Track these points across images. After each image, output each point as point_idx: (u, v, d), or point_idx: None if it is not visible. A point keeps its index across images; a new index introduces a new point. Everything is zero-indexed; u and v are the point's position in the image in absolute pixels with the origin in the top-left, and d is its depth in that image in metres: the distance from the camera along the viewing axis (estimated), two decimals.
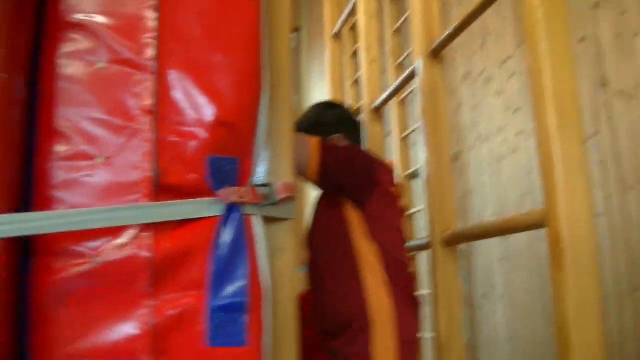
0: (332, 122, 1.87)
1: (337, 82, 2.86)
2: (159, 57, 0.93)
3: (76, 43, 0.93)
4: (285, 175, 1.04)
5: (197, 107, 0.93)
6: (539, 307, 2.25)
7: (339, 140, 1.84)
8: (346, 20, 2.78)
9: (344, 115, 1.92)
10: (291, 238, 0.99)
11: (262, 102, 1.00)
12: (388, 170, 1.76)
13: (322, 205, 1.74)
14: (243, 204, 0.92)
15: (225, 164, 0.93)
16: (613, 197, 1.88)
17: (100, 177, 0.87)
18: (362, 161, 1.68)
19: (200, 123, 0.92)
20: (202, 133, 0.92)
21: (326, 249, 1.68)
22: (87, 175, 0.87)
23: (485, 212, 2.59)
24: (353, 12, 2.68)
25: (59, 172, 0.87)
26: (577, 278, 1.18)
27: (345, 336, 1.58)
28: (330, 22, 2.88)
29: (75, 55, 0.92)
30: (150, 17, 0.94)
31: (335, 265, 1.65)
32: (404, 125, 2.42)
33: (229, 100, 0.95)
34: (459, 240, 1.70)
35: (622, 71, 1.90)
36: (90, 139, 0.89)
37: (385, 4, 2.59)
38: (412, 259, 1.82)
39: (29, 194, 0.89)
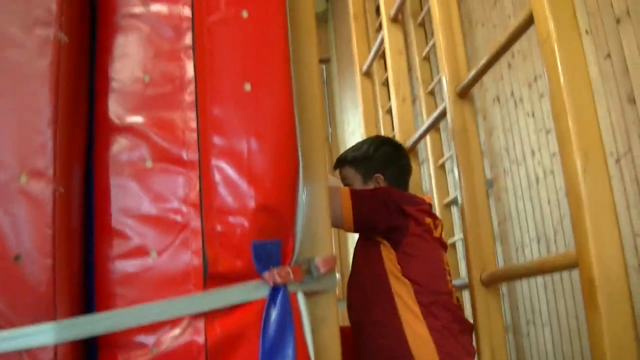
0: (378, 159, 1.92)
1: (371, 115, 2.92)
2: (201, 151, 1.01)
3: (124, 144, 1.01)
4: (323, 241, 1.10)
5: (239, 194, 1.00)
6: (584, 331, 2.26)
7: (377, 180, 1.90)
8: (375, 56, 2.84)
9: (391, 156, 1.95)
10: (333, 308, 1.05)
11: (299, 180, 1.07)
12: (420, 203, 1.81)
13: (360, 247, 1.81)
14: (287, 283, 0.99)
15: (269, 247, 0.99)
16: None
17: (155, 270, 0.95)
18: (391, 203, 1.74)
19: (243, 210, 0.99)
20: (245, 220, 0.99)
21: (364, 291, 1.75)
22: (143, 271, 0.95)
23: (525, 236, 2.61)
24: (381, 45, 2.74)
25: (117, 269, 0.95)
26: (611, 318, 1.21)
27: None
28: (360, 58, 2.95)
29: (124, 156, 1.00)
30: (191, 116, 1.02)
31: (373, 307, 1.71)
32: (438, 152, 2.47)
33: (267, 183, 1.02)
34: (497, 280, 1.74)
35: None
36: (144, 235, 0.97)
37: (411, 30, 2.64)
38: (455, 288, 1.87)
39: (90, 289, 0.97)
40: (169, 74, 1.02)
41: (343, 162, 1.95)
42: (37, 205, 0.87)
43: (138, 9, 1.04)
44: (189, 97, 1.02)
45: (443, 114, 2.01)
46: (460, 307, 1.79)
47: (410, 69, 2.84)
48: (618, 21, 2.05)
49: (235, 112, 1.04)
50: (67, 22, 0.95)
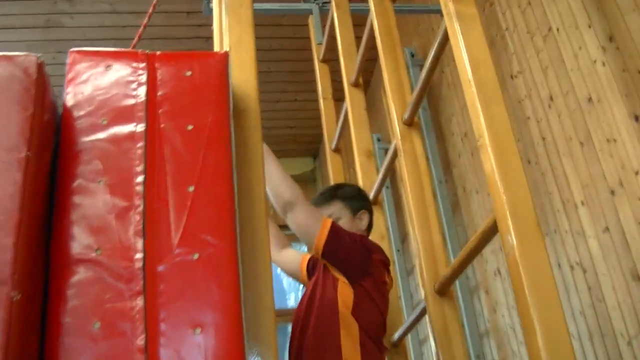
0: (364, 198, 2.09)
1: None
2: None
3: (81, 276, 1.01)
4: None
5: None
6: None
7: (361, 217, 2.02)
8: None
9: (355, 190, 2.12)
10: None
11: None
12: (386, 260, 1.94)
13: (319, 272, 1.90)
14: None
15: None
16: None
17: None
18: (365, 250, 1.86)
19: None
20: None
21: (314, 313, 1.83)
22: None
23: None
24: None
25: None
26: None
27: None
28: None
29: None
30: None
31: (320, 331, 1.79)
32: None
33: None
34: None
35: None
36: None
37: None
38: (387, 349, 1.94)
39: None
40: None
41: (334, 196, 2.06)
42: None
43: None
44: None
45: (423, 312, 1.98)
46: None
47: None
48: (612, 193, 2.08)
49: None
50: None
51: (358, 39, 2.80)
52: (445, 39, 1.66)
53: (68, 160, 1.13)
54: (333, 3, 3.08)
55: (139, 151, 1.12)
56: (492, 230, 1.45)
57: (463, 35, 1.47)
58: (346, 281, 1.83)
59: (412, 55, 3.88)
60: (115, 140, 1.14)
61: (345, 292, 1.82)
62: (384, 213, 2.98)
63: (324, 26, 3.38)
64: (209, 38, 1.60)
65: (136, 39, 2.22)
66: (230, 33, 1.43)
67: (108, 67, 1.23)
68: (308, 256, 2.16)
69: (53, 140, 1.14)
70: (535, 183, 2.56)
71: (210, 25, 1.64)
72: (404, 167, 2.01)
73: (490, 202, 2.57)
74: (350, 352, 1.76)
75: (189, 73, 1.22)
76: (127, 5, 4.29)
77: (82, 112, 1.18)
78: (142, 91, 1.19)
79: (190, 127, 1.15)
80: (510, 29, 2.80)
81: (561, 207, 2.41)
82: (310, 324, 1.83)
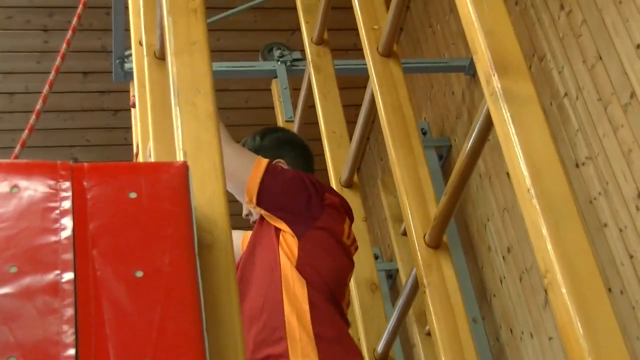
0: (270, 146, 2.37)
1: None
2: None
3: None
4: None
5: None
6: None
7: (280, 165, 2.29)
8: None
9: (286, 140, 2.45)
10: None
11: None
12: (344, 204, 2.26)
13: (257, 227, 2.20)
14: None
15: None
16: None
17: None
18: (311, 186, 2.15)
19: None
20: None
21: (253, 275, 2.11)
22: None
23: None
24: None
25: None
26: None
27: None
28: None
29: None
30: None
31: (258, 294, 2.08)
32: None
33: None
34: None
35: None
36: None
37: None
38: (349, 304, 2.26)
39: None
40: None
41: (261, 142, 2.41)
42: None
43: None
44: None
45: None
46: (349, 325, 2.18)
47: None
48: None
49: None
50: None
51: (348, 108, 2.90)
52: (487, 127, 1.76)
53: None
54: (309, 62, 3.13)
55: (67, 313, 1.15)
56: None
57: (515, 126, 1.57)
58: (290, 231, 2.11)
59: (424, 133, 4.00)
60: (29, 296, 1.17)
61: (288, 244, 2.10)
62: None
63: (294, 95, 3.49)
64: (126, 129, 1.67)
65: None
66: (183, 129, 1.50)
67: (14, 187, 1.28)
68: (250, 233, 2.40)
69: None
70: (624, 319, 2.60)
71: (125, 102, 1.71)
72: (430, 307, 2.07)
73: (556, 352, 2.62)
74: (294, 313, 2.02)
75: (133, 195, 1.27)
76: None
77: None
78: (66, 223, 1.24)
79: (139, 274, 1.20)
80: (571, 95, 2.93)
81: None
82: (248, 290, 2.10)
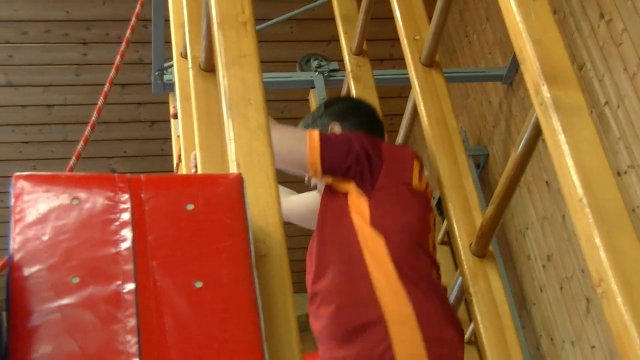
0: (332, 113, 2.39)
1: None
2: None
3: None
4: None
5: None
6: None
7: (334, 129, 2.33)
8: None
9: (350, 107, 2.46)
10: None
11: None
12: (404, 149, 2.31)
13: (325, 195, 2.22)
14: None
15: None
16: None
17: None
18: (367, 143, 2.17)
19: None
20: None
21: (328, 241, 2.13)
22: None
23: None
24: None
25: None
26: None
27: (358, 343, 1.97)
28: None
29: None
30: None
31: (339, 258, 2.09)
32: None
33: None
34: None
35: None
36: None
37: None
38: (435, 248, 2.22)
39: None
40: None
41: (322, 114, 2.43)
42: None
43: None
44: None
45: None
46: (438, 270, 2.15)
47: None
48: None
49: None
50: None
51: (389, 117, 2.91)
52: (535, 136, 1.76)
53: (18, 342, 1.15)
54: (348, 72, 3.14)
55: (130, 323, 1.17)
56: None
57: (566, 136, 1.57)
58: (359, 190, 2.14)
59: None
60: (92, 306, 1.19)
61: (358, 204, 2.12)
62: None
63: None
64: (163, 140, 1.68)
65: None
66: (236, 140, 1.51)
67: (74, 199, 1.29)
68: None
69: None
70: None
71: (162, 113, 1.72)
72: (477, 316, 2.08)
73: None
74: (380, 272, 2.02)
75: (190, 206, 1.29)
76: None
77: (38, 267, 1.22)
78: (126, 234, 1.25)
79: (198, 284, 1.22)
80: (612, 104, 2.93)
81: None
82: (325, 260, 2.12)
